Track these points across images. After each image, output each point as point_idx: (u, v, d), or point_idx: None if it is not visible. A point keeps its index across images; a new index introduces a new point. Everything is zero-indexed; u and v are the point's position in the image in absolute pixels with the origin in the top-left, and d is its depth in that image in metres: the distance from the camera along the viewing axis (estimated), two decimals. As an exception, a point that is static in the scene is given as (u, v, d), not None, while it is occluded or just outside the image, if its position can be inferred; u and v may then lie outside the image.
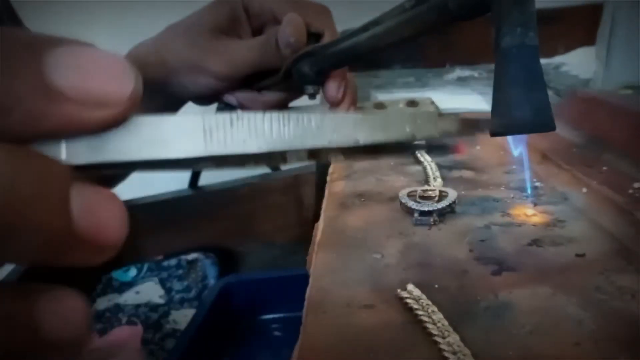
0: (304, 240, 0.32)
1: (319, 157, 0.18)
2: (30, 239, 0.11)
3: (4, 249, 0.10)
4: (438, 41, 0.94)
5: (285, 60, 0.44)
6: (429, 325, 0.20)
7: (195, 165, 0.15)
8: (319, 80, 0.45)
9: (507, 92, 0.26)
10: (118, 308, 0.59)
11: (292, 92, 0.50)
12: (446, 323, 0.19)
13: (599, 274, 0.23)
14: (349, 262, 0.26)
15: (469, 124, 0.18)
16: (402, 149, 0.21)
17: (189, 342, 0.44)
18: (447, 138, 0.17)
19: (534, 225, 0.28)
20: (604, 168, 0.34)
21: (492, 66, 0.27)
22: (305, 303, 0.23)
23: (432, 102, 0.65)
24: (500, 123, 0.26)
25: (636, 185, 0.30)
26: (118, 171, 0.13)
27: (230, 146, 0.13)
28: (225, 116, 0.13)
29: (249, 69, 0.46)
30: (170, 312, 0.58)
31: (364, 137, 0.15)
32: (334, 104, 0.47)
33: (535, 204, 0.31)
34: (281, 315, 0.53)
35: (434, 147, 0.24)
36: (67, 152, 0.12)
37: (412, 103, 0.64)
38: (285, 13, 0.44)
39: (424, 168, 0.37)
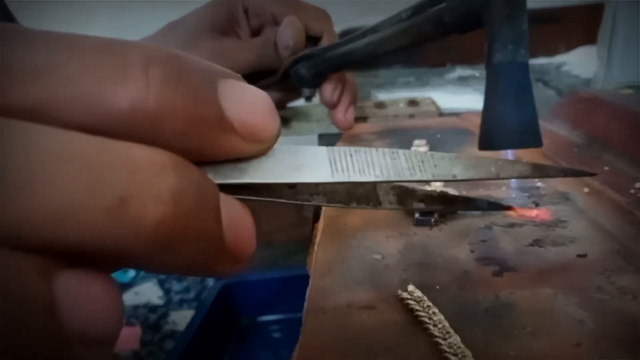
0: (304, 240, 0.31)
1: (406, 203, 0.22)
2: (190, 248, 0.11)
3: (166, 259, 0.10)
4: (439, 41, 0.94)
5: (284, 62, 0.44)
6: (430, 327, 0.19)
7: (312, 196, 0.17)
8: (316, 83, 0.45)
9: (496, 108, 0.26)
10: (117, 309, 0.59)
11: (290, 93, 0.50)
12: (447, 324, 0.19)
13: (600, 274, 0.23)
14: (349, 262, 0.26)
15: (539, 168, 0.20)
16: (473, 206, 0.26)
17: (188, 343, 0.44)
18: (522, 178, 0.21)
19: (535, 225, 0.28)
20: (605, 168, 0.34)
21: (493, 66, 0.27)
22: (305, 303, 0.23)
23: (433, 102, 0.65)
24: (489, 138, 0.26)
25: (637, 185, 0.30)
26: (247, 196, 0.14)
27: (352, 174, 0.15)
28: (345, 149, 0.15)
29: (247, 69, 0.46)
30: (170, 313, 0.58)
31: (459, 172, 0.17)
32: (330, 106, 0.47)
33: (536, 204, 0.31)
34: (281, 316, 0.53)
35: (493, 206, 0.26)
36: (211, 171, 0.13)
37: (412, 103, 0.64)
38: (284, 15, 0.45)
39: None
